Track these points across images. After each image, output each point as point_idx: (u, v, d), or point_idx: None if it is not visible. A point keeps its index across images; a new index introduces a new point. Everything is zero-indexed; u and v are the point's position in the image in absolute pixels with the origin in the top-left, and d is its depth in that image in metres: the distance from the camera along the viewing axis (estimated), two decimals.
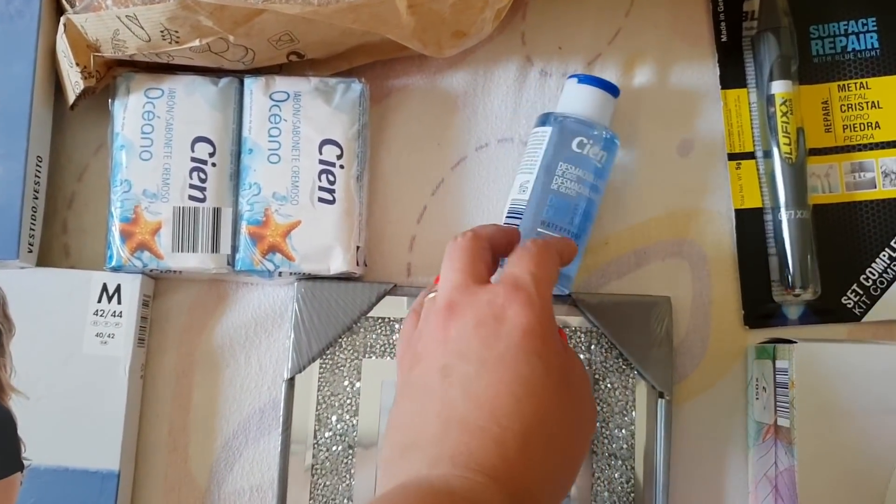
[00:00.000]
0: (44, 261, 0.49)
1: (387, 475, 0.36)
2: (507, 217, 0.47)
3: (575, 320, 0.48)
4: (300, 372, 0.47)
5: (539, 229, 0.46)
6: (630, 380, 0.47)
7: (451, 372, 0.36)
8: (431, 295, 0.41)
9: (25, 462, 0.46)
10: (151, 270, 0.48)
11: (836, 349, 0.45)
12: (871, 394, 0.43)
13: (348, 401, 0.47)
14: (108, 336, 0.47)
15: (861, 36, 0.51)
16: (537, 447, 0.35)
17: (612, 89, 0.48)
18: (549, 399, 0.36)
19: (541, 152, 0.47)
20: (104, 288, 0.47)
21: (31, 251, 0.47)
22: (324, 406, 0.47)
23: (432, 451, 0.34)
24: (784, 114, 0.49)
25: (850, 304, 0.50)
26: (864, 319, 0.49)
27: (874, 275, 0.50)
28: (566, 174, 0.46)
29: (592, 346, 0.48)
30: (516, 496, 0.34)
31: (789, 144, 0.49)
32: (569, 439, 0.36)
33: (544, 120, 0.48)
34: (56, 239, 0.50)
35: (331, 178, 0.48)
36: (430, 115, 0.52)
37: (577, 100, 0.48)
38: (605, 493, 0.47)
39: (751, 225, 0.51)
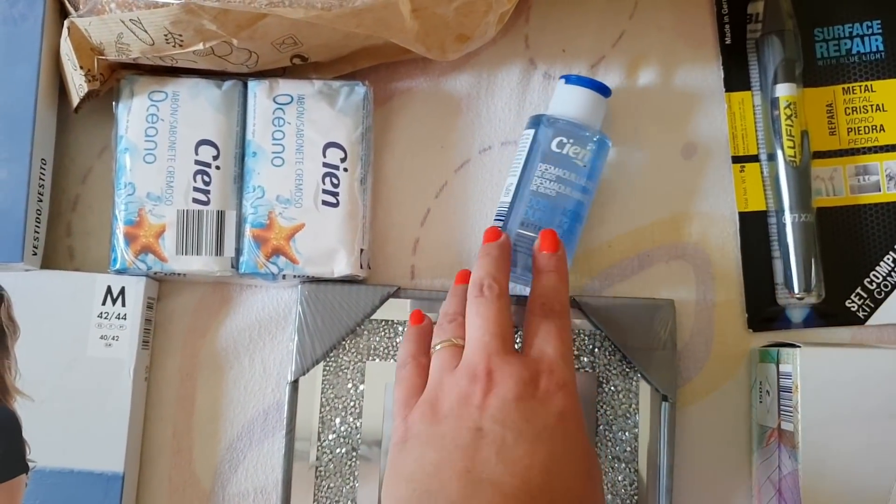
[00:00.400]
0: (48, 263, 0.49)
1: None
2: (494, 220, 0.47)
3: (578, 323, 0.48)
4: (304, 374, 0.47)
5: (519, 230, 0.46)
6: (634, 383, 0.47)
7: (486, 434, 0.37)
8: (438, 346, 0.41)
9: (30, 464, 0.46)
10: (155, 273, 0.48)
11: (840, 353, 0.45)
12: (874, 398, 0.43)
13: (352, 403, 0.47)
14: (113, 338, 0.47)
15: (866, 39, 0.51)
16: None
17: (600, 89, 0.48)
18: (575, 479, 0.38)
19: (524, 154, 0.47)
20: (108, 290, 0.48)
21: (35, 254, 0.47)
22: (327, 408, 0.47)
23: None
24: (788, 117, 0.49)
25: (854, 307, 0.50)
26: (868, 323, 0.49)
27: (878, 278, 0.49)
28: (545, 174, 0.46)
29: (596, 350, 0.48)
30: None
31: (793, 147, 0.49)
32: None
33: (531, 122, 0.48)
34: (60, 241, 0.50)
35: (334, 181, 0.48)
36: (434, 117, 0.52)
37: (564, 101, 0.48)
38: (609, 497, 0.47)
39: (754, 228, 0.50)
